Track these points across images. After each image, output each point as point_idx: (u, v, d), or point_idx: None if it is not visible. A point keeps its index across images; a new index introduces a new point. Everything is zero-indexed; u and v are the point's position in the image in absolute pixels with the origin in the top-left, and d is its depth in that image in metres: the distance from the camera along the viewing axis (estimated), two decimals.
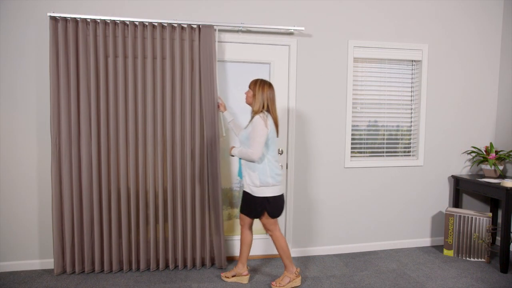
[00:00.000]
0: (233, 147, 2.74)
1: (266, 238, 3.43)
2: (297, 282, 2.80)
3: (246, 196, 2.73)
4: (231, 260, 3.36)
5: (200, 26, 3.00)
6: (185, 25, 2.99)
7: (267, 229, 2.74)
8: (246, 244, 2.86)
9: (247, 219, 2.80)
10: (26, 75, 2.95)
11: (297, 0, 3.32)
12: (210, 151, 3.04)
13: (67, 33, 2.84)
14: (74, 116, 2.87)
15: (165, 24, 2.95)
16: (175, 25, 2.97)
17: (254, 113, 2.63)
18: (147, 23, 2.93)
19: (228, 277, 2.92)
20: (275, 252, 3.45)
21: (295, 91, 3.36)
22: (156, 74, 2.99)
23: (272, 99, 2.64)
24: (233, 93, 3.27)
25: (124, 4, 3.03)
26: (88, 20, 2.87)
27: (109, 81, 2.92)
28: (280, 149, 3.37)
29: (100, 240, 3.01)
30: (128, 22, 2.92)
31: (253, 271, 3.13)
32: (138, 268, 3.10)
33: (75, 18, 2.82)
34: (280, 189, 2.69)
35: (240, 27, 3.13)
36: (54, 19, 2.80)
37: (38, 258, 3.08)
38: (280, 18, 3.29)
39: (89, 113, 2.91)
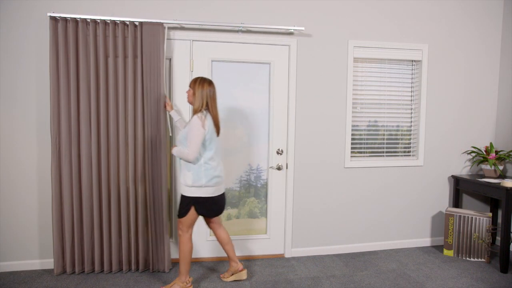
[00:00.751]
0: (175, 146, 2.65)
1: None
2: None
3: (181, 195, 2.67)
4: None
5: (143, 22, 2.90)
6: (127, 22, 2.90)
7: (179, 229, 2.66)
8: (223, 243, 2.83)
9: (209, 219, 2.80)
10: (26, 75, 2.95)
11: (297, 0, 3.32)
12: (155, 152, 2.98)
13: (67, 33, 2.84)
14: (74, 116, 2.87)
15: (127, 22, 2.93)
16: (118, 21, 2.93)
17: (194, 111, 2.56)
18: (118, 22, 2.93)
19: (226, 277, 2.93)
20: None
21: (295, 91, 3.36)
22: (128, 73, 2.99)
23: (212, 97, 2.58)
24: (233, 93, 3.27)
25: (123, 4, 3.03)
26: (88, 20, 2.86)
27: (109, 81, 2.92)
28: (280, 149, 3.37)
29: (100, 240, 3.01)
30: (128, 22, 2.92)
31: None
32: (137, 268, 3.09)
33: (75, 18, 2.82)
34: (216, 190, 2.61)
35: (240, 27, 3.13)
36: (54, 19, 2.80)
37: (38, 258, 3.08)
38: (280, 18, 3.29)
39: (89, 113, 2.90)
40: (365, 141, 3.63)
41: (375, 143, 3.65)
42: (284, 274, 3.07)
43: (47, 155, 3.02)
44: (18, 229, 3.03)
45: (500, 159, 3.60)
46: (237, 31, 3.21)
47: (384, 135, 3.66)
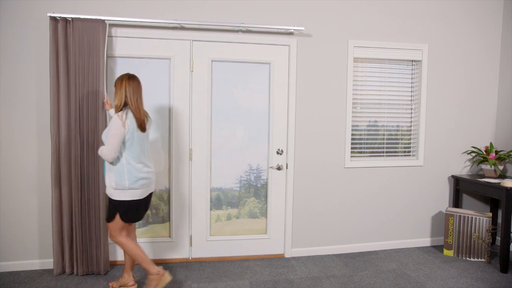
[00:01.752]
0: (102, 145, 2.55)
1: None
2: (166, 278, 2.53)
3: (108, 198, 2.54)
4: (227, 260, 3.36)
5: (74, 19, 2.80)
6: (69, 19, 2.83)
7: (110, 235, 2.55)
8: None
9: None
10: (26, 75, 2.94)
11: (297, 0, 3.31)
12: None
13: (67, 33, 2.84)
14: (73, 116, 2.87)
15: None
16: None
17: (115, 110, 2.46)
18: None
19: (115, 287, 2.72)
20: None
21: (295, 91, 3.35)
22: None
23: (132, 92, 2.41)
24: (233, 93, 3.27)
25: (122, 4, 3.03)
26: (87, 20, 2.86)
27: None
28: (280, 149, 3.37)
29: (99, 240, 3.00)
30: (125, 22, 2.92)
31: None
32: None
33: (75, 18, 2.82)
34: (142, 192, 2.48)
35: (240, 27, 3.13)
36: (54, 19, 2.80)
37: (38, 258, 3.08)
38: (280, 18, 3.29)
39: (87, 112, 2.90)
40: (365, 141, 3.62)
41: (375, 143, 3.65)
42: (284, 274, 3.07)
43: (47, 155, 3.01)
44: (18, 229, 3.03)
45: (500, 159, 3.60)
46: (237, 31, 3.21)
47: (384, 135, 3.66)
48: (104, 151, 2.37)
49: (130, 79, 2.46)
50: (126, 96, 2.42)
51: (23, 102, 2.96)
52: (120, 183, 2.41)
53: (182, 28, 3.12)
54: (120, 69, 3.06)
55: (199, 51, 3.17)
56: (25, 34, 2.92)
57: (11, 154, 2.98)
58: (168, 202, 3.22)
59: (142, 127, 2.45)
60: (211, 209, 3.32)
